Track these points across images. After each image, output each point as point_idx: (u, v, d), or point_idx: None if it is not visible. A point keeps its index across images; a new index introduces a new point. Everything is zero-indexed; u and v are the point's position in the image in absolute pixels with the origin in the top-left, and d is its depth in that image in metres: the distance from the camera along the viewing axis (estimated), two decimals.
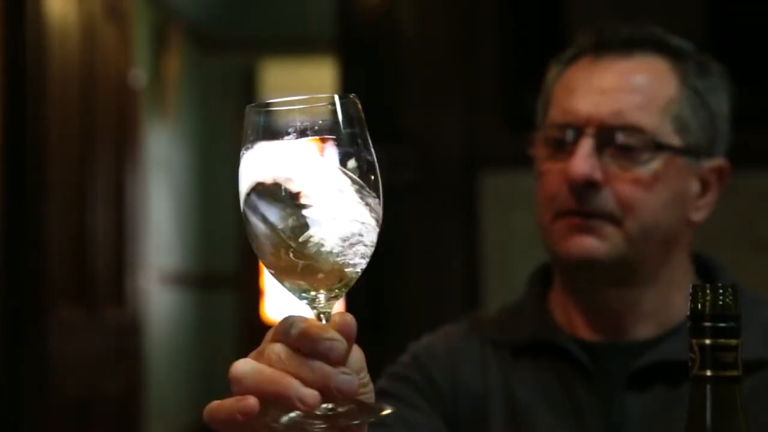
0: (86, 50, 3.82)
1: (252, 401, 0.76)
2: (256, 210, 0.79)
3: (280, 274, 0.81)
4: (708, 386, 0.79)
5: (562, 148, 1.28)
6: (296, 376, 0.76)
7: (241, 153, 0.81)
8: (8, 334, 3.27)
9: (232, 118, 6.70)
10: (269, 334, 0.81)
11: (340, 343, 0.78)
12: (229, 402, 0.78)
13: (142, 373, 4.63)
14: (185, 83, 6.22)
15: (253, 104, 0.81)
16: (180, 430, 5.92)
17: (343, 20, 3.60)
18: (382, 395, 1.30)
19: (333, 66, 4.25)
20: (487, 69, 3.43)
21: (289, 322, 0.78)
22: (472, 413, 1.29)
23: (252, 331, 6.56)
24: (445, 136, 3.42)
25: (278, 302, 6.64)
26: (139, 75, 4.75)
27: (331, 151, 0.79)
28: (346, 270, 0.80)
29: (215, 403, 0.79)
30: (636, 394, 1.25)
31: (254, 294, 6.82)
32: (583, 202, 1.25)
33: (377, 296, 3.31)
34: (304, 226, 0.78)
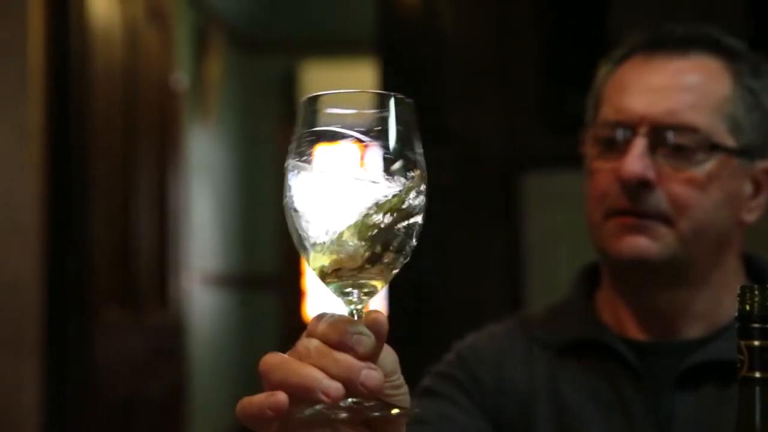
0: (129, 53, 3.85)
1: (281, 396, 0.76)
2: (295, 204, 0.80)
3: (317, 270, 0.81)
4: (757, 388, 0.78)
5: (614, 147, 1.26)
6: (322, 369, 0.76)
7: (290, 145, 0.81)
8: (54, 336, 3.30)
9: (273, 119, 6.72)
10: (305, 331, 0.81)
11: (368, 337, 0.78)
12: (259, 397, 0.78)
13: (185, 374, 4.65)
14: (226, 86, 6.25)
15: (307, 96, 0.81)
16: (223, 430, 5.95)
17: (383, 22, 3.60)
18: (427, 393, 1.30)
19: (373, 67, 4.25)
20: (528, 69, 3.41)
21: (321, 316, 0.79)
22: (517, 413, 1.28)
23: (293, 331, 6.53)
24: (486, 136, 3.40)
25: (320, 303, 6.66)
26: (181, 78, 4.78)
27: (379, 150, 0.79)
28: (384, 269, 0.80)
29: (246, 398, 0.79)
30: (685, 394, 1.24)
31: (296, 295, 6.84)
32: (635, 202, 1.23)
33: (419, 296, 3.30)
34: (342, 223, 0.78)
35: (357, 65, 6.52)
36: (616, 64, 1.32)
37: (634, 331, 1.29)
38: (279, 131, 6.60)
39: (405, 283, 3.18)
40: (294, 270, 6.52)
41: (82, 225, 3.43)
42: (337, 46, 6.68)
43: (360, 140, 0.79)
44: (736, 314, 0.78)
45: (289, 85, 6.94)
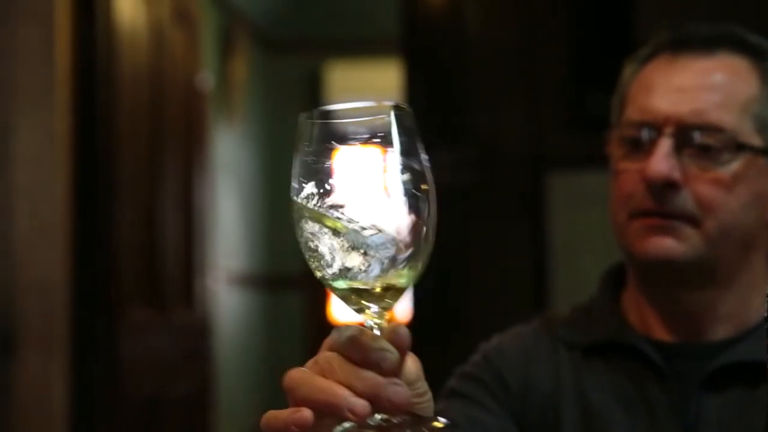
0: (155, 54, 3.87)
1: (306, 413, 0.76)
2: (303, 221, 0.79)
3: (330, 285, 0.81)
4: None
5: (639, 147, 1.26)
6: (347, 386, 0.76)
7: (294, 161, 0.80)
8: (81, 336, 3.32)
9: (298, 120, 6.72)
10: (325, 343, 0.80)
11: (392, 353, 0.77)
12: (284, 413, 0.77)
13: (210, 373, 4.67)
14: (251, 86, 6.27)
15: (306, 113, 0.80)
16: (249, 430, 5.97)
17: (407, 22, 3.60)
18: (452, 395, 1.30)
19: (398, 67, 4.25)
20: (552, 68, 3.41)
21: (342, 331, 0.78)
22: (543, 414, 1.28)
23: (319, 331, 6.57)
24: (511, 136, 3.40)
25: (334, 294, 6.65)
26: (207, 78, 4.80)
27: (384, 162, 0.78)
28: (397, 282, 0.79)
29: (271, 413, 0.79)
30: (711, 396, 1.23)
31: (321, 295, 6.84)
32: (661, 203, 1.23)
33: (444, 297, 3.30)
34: (350, 238, 0.78)
35: (382, 65, 6.52)
36: (641, 64, 1.31)
37: (660, 332, 1.28)
38: None
39: (429, 285, 3.18)
40: None
41: (109, 226, 3.45)
42: (361, 46, 6.68)
43: (365, 156, 0.78)
44: (766, 315, 0.78)
45: (314, 85, 6.95)
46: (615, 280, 1.35)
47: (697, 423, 1.23)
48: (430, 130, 3.23)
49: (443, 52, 3.48)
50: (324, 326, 6.65)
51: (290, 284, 6.72)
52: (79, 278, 3.31)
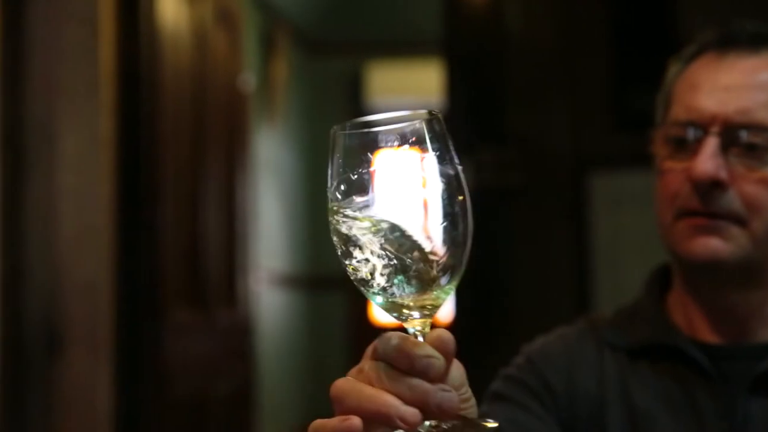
0: (198, 55, 3.89)
1: (356, 421, 0.76)
2: (339, 235, 0.79)
3: (369, 297, 0.81)
4: None
5: (685, 147, 1.25)
6: (396, 395, 0.76)
7: (328, 172, 0.80)
8: (125, 336, 3.35)
9: (339, 120, 6.72)
10: (368, 351, 0.80)
11: (438, 360, 0.77)
12: (333, 422, 0.77)
13: (253, 374, 4.69)
14: (293, 87, 6.29)
15: (338, 125, 0.80)
16: (291, 430, 5.99)
17: (449, 22, 3.59)
18: (496, 398, 1.29)
19: (439, 68, 4.24)
20: (595, 68, 3.38)
21: (386, 339, 0.78)
22: (588, 417, 1.27)
23: (361, 332, 6.59)
24: (553, 137, 3.38)
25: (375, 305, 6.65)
26: (249, 79, 4.82)
27: (418, 171, 0.78)
28: (436, 291, 0.79)
29: (319, 421, 0.79)
30: (760, 398, 1.22)
31: (362, 295, 6.83)
32: (707, 203, 1.22)
33: (487, 299, 3.29)
34: (388, 247, 0.77)
35: (422, 66, 6.52)
36: (686, 63, 1.30)
37: (706, 334, 1.27)
38: None
39: (472, 287, 3.17)
40: None
41: (153, 227, 3.48)
42: (402, 47, 6.68)
43: (400, 165, 0.78)
44: None
45: (354, 85, 6.96)
46: (660, 281, 1.34)
47: (745, 426, 1.21)
48: (472, 131, 3.22)
49: (485, 53, 3.47)
50: (365, 326, 6.66)
51: (332, 284, 6.74)
52: (124, 279, 3.34)
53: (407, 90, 6.83)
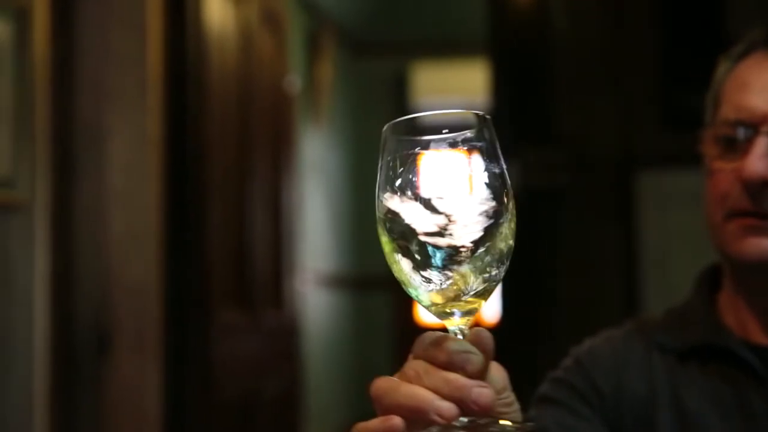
0: (243, 57, 3.91)
1: (396, 420, 0.76)
2: (388, 227, 0.79)
3: (412, 296, 0.81)
4: None
5: (735, 147, 1.23)
6: (433, 390, 0.76)
7: (378, 168, 0.81)
8: (173, 337, 3.37)
9: (385, 121, 6.73)
10: (410, 353, 0.81)
11: (476, 356, 0.77)
12: (374, 423, 0.78)
13: (300, 374, 4.71)
14: (338, 88, 6.31)
15: (387, 124, 0.81)
16: (337, 430, 6.00)
17: (494, 21, 3.57)
18: (544, 401, 1.28)
19: (484, 68, 4.23)
20: (642, 66, 3.35)
21: (425, 338, 0.79)
22: (637, 420, 1.26)
23: (406, 331, 6.59)
24: (601, 136, 3.36)
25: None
26: (294, 80, 4.83)
27: (464, 168, 0.78)
28: (480, 290, 0.79)
29: (361, 424, 0.79)
30: None
31: (408, 296, 6.84)
32: (758, 203, 1.20)
33: (534, 300, 3.27)
34: (435, 246, 0.77)
35: (468, 66, 6.50)
36: (735, 61, 1.28)
37: (758, 335, 1.25)
38: None
39: (518, 288, 3.15)
40: None
41: (200, 229, 3.50)
42: (447, 47, 6.67)
43: (448, 164, 0.78)
44: None
45: (400, 86, 6.96)
46: (710, 281, 1.32)
47: None
48: (517, 131, 3.21)
49: (530, 52, 3.45)
50: (411, 326, 6.66)
51: (377, 285, 6.74)
52: (171, 281, 3.36)
53: (452, 90, 6.82)
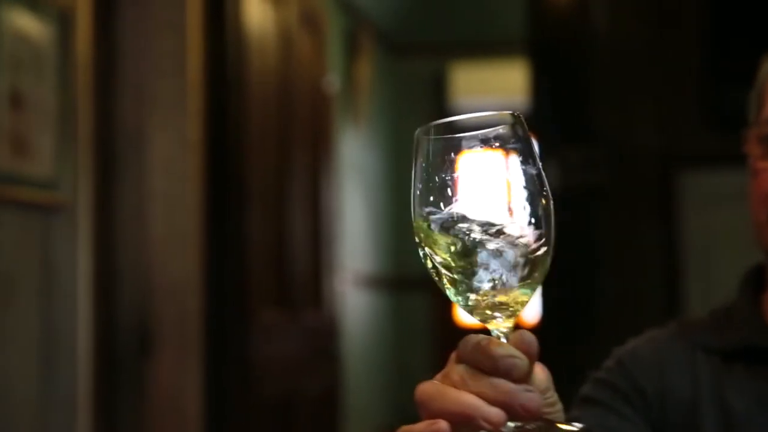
0: (283, 57, 3.93)
1: (443, 425, 0.76)
2: (423, 236, 0.79)
3: (452, 299, 0.81)
4: None
5: None
6: (479, 395, 0.76)
7: (413, 177, 0.80)
8: (213, 337, 3.39)
9: (423, 121, 6.73)
10: (453, 355, 0.80)
11: (521, 360, 0.76)
12: (420, 426, 0.77)
13: (339, 373, 4.71)
14: (376, 88, 6.31)
15: (421, 128, 0.80)
16: (377, 429, 6.01)
17: (533, 21, 3.56)
18: (586, 402, 1.27)
19: (524, 68, 4.22)
20: (684, 65, 3.33)
21: (469, 341, 0.78)
22: (681, 421, 1.25)
23: (445, 333, 6.58)
24: (641, 135, 3.34)
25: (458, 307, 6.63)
26: (333, 81, 4.84)
27: (501, 173, 0.78)
28: (519, 293, 0.79)
29: (406, 427, 0.79)
30: None
31: (446, 296, 6.85)
32: None
33: (575, 300, 3.26)
34: (473, 249, 0.77)
35: (507, 66, 6.48)
36: None
37: None
38: None
39: (558, 289, 3.14)
40: None
41: (240, 229, 3.52)
42: (486, 47, 6.66)
43: (483, 165, 0.77)
44: None
45: (438, 86, 6.96)
46: (755, 281, 1.31)
47: None
48: (558, 130, 3.20)
49: (570, 51, 3.44)
50: (450, 327, 6.65)
51: (416, 285, 6.74)
52: (212, 281, 3.38)
53: (491, 90, 6.80)
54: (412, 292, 6.76)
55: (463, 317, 6.81)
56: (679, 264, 3.25)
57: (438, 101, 6.86)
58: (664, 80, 3.32)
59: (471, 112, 0.80)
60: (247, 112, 3.56)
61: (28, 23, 2.58)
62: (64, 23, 2.73)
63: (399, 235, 6.74)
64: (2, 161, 2.46)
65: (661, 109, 3.31)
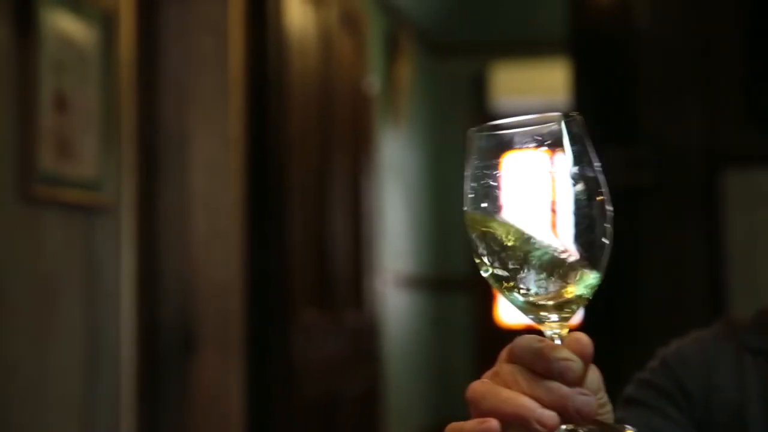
0: (323, 58, 3.93)
1: (494, 424, 0.75)
2: (475, 235, 0.79)
3: (506, 298, 0.80)
4: None
5: None
6: (533, 398, 0.75)
7: (464, 176, 0.80)
8: (255, 337, 3.40)
9: (464, 121, 6.73)
10: (503, 354, 0.79)
11: (576, 363, 0.76)
12: (470, 424, 0.77)
13: (380, 374, 4.71)
14: (416, 88, 6.31)
15: (475, 128, 0.80)
16: (418, 429, 6.00)
17: (575, 20, 3.54)
18: (630, 402, 1.26)
19: (565, 67, 4.19)
20: (729, 62, 3.29)
21: (522, 342, 0.77)
22: (727, 422, 1.23)
23: (486, 334, 6.56)
24: (686, 133, 3.31)
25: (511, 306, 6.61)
26: (373, 81, 4.85)
27: (555, 173, 0.77)
28: (575, 295, 0.78)
29: (456, 424, 0.78)
30: None
31: (488, 297, 6.83)
32: None
33: (616, 302, 3.23)
34: (529, 249, 0.77)
35: (548, 66, 6.45)
36: None
37: None
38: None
39: (602, 289, 3.11)
40: None
41: (281, 230, 3.53)
42: (527, 47, 6.63)
43: (536, 166, 0.77)
44: None
45: (479, 86, 6.94)
46: None
47: None
48: (600, 130, 3.18)
49: (612, 50, 3.41)
50: (491, 328, 6.63)
51: (457, 286, 6.73)
52: (254, 281, 3.40)
53: (532, 90, 6.78)
54: (452, 292, 6.75)
55: (506, 318, 6.78)
56: (722, 264, 3.22)
57: (478, 101, 6.84)
58: (708, 78, 3.29)
59: (513, 113, 0.79)
60: (288, 112, 3.57)
61: (71, 26, 2.61)
62: (107, 25, 2.75)
63: (439, 235, 6.73)
64: (47, 163, 2.49)
65: (705, 107, 3.28)
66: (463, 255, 6.65)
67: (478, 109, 6.77)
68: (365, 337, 4.46)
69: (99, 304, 2.75)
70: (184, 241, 3.29)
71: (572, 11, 3.52)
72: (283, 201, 3.54)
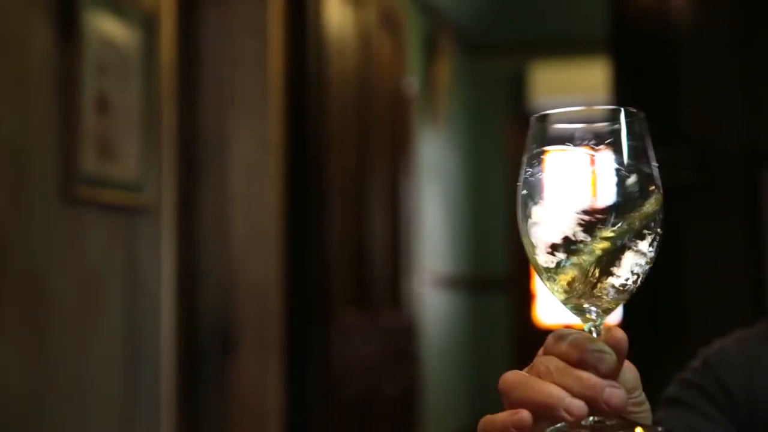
0: (362, 59, 3.94)
1: (525, 414, 0.75)
2: (526, 228, 0.79)
3: (550, 287, 0.80)
4: None
5: None
6: (563, 387, 0.75)
7: (523, 161, 0.80)
8: (294, 337, 3.42)
9: (502, 121, 6.72)
10: (541, 349, 0.80)
11: (610, 355, 0.76)
12: (502, 416, 0.77)
13: (418, 374, 4.71)
14: (455, 88, 6.30)
15: (537, 114, 0.80)
16: (454, 429, 5.99)
17: (615, 19, 3.52)
18: (672, 402, 1.26)
19: (605, 66, 4.17)
20: None
21: (558, 334, 0.78)
22: None
23: (524, 333, 6.54)
24: (727, 132, 3.28)
25: (550, 306, 6.59)
26: (412, 82, 4.85)
27: (612, 165, 0.77)
28: (620, 286, 0.78)
29: (488, 417, 0.79)
30: None
31: (526, 297, 6.81)
32: None
33: (658, 302, 3.21)
34: (576, 241, 0.76)
35: (587, 64, 6.42)
36: None
37: None
38: (508, 133, 6.60)
39: (642, 287, 3.09)
40: (523, 272, 6.50)
41: (320, 231, 3.54)
42: (566, 46, 6.60)
43: (593, 158, 0.77)
44: None
45: (517, 86, 6.92)
46: None
47: None
48: None
49: (653, 49, 3.39)
50: (529, 328, 6.61)
51: (494, 286, 6.71)
52: (292, 282, 3.41)
53: (572, 89, 6.75)
54: (490, 292, 6.74)
55: (544, 318, 6.76)
56: (763, 265, 3.19)
57: (517, 101, 6.83)
58: (751, 76, 3.26)
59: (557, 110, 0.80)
60: (327, 113, 3.58)
61: (113, 28, 2.63)
62: (148, 27, 2.77)
63: (477, 235, 6.72)
64: (89, 164, 2.51)
65: (746, 106, 3.25)
66: (501, 254, 6.64)
67: (517, 109, 6.75)
68: (403, 337, 4.46)
69: (139, 305, 2.77)
70: (224, 242, 3.31)
71: (612, 9, 3.50)
72: (322, 202, 3.55)
